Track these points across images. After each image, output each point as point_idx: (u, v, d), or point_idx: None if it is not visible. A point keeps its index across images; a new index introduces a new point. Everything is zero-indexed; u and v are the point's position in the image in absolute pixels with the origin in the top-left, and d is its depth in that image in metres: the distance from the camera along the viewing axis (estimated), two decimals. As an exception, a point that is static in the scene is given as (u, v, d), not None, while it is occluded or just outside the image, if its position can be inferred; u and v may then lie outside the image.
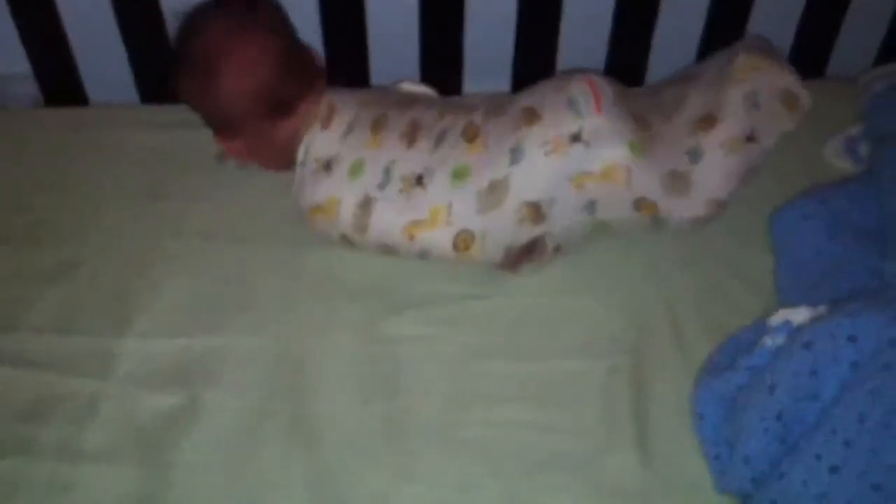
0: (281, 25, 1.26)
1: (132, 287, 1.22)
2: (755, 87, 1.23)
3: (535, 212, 1.17)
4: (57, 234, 1.28)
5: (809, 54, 1.52)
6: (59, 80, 1.46)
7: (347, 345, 1.17)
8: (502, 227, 1.18)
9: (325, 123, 1.24)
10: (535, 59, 1.49)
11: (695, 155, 1.19)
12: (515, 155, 1.17)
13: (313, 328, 1.18)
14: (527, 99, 1.22)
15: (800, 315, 1.05)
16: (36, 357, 1.15)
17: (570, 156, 1.16)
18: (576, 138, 1.16)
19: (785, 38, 1.50)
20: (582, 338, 1.18)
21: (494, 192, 1.17)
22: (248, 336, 1.17)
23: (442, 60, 1.47)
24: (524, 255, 1.20)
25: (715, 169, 1.19)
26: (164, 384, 1.12)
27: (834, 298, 1.09)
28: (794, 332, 1.03)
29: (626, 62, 1.50)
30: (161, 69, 1.43)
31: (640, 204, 1.19)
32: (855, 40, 1.50)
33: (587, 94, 1.18)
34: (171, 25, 1.31)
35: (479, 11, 1.42)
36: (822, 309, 1.05)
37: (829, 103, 1.40)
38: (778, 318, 1.06)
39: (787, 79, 1.27)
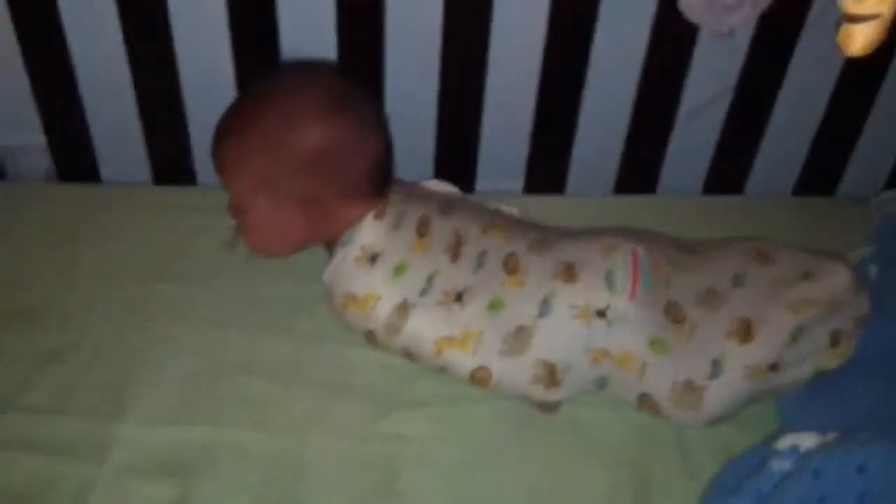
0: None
1: (132, 372, 1.21)
2: (804, 324, 1.15)
3: (550, 374, 1.16)
4: (59, 314, 1.27)
5: (821, 173, 1.53)
6: (73, 155, 1.46)
7: (346, 443, 1.15)
8: (517, 379, 1.17)
9: (379, 213, 1.23)
10: (548, 161, 1.50)
11: (717, 367, 1.13)
12: (544, 307, 1.16)
13: (311, 424, 1.17)
14: (570, 249, 1.20)
15: (808, 440, 1.04)
16: (29, 439, 1.13)
17: (591, 328, 1.15)
18: (601, 314, 1.15)
19: (797, 156, 1.51)
20: (586, 449, 1.16)
21: (519, 339, 1.16)
22: (246, 429, 1.16)
23: (456, 158, 1.48)
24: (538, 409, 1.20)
25: (728, 390, 1.14)
26: (157, 474, 1.10)
27: (838, 422, 1.08)
28: (801, 457, 1.02)
29: (639, 167, 1.51)
30: (177, 151, 1.45)
31: (643, 400, 1.17)
32: (868, 160, 1.51)
33: (627, 271, 1.17)
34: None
35: (496, 112, 1.43)
36: (830, 435, 1.03)
37: (840, 223, 1.41)
38: (785, 442, 1.05)
39: (844, 321, 1.17)
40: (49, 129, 1.44)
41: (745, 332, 1.14)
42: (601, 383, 1.19)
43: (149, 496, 1.08)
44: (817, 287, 1.17)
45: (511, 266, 1.20)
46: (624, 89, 1.41)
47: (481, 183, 1.51)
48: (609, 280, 1.16)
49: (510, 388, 1.18)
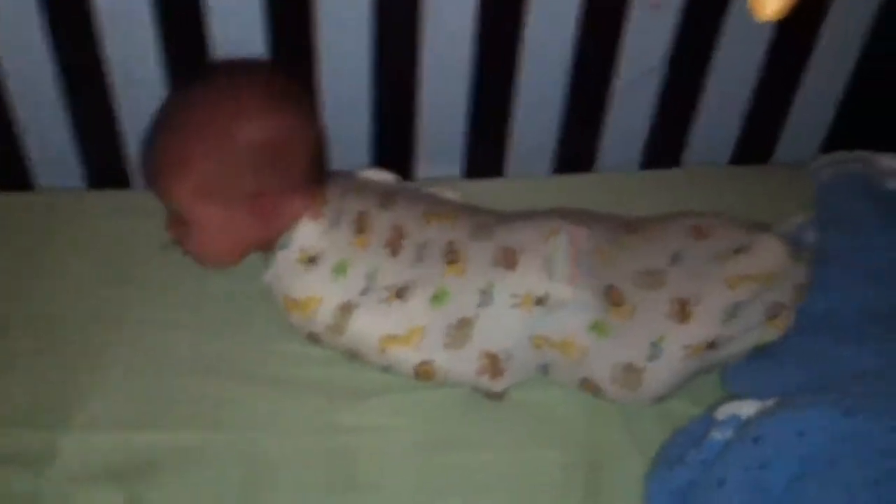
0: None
1: (78, 378, 1.19)
2: (740, 300, 1.15)
3: (494, 364, 1.17)
4: (2, 323, 1.25)
5: (757, 141, 1.54)
6: (4, 164, 1.44)
7: (302, 438, 1.15)
8: (462, 371, 1.17)
9: (316, 213, 1.22)
10: (486, 145, 1.50)
11: (656, 349, 1.14)
12: (484, 297, 1.16)
13: (267, 421, 1.17)
14: (510, 234, 1.20)
15: (747, 408, 1.05)
16: (-29, 452, 1.12)
17: (532, 315, 1.15)
18: (540, 301, 1.15)
19: (732, 123, 1.52)
20: (538, 430, 1.17)
21: (461, 330, 1.16)
22: (200, 429, 1.15)
23: (393, 146, 1.48)
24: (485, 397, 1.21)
25: (668, 370, 1.14)
26: (106, 481, 1.09)
27: (781, 385, 1.10)
28: (741, 425, 1.04)
29: (576, 146, 1.51)
30: (109, 155, 1.43)
31: (585, 383, 1.17)
32: (802, 126, 1.52)
33: (567, 256, 1.17)
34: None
35: (432, 98, 1.42)
36: (769, 402, 1.05)
37: (777, 190, 1.42)
38: (725, 411, 1.07)
39: (783, 294, 1.18)
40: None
41: (683, 311, 1.15)
42: (544, 369, 1.19)
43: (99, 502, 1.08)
44: (752, 261, 1.18)
45: (452, 255, 1.20)
46: (557, 68, 1.41)
47: (420, 170, 1.50)
48: (549, 266, 1.16)
49: (456, 380, 1.18)
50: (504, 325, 1.16)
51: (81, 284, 1.31)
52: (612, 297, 1.16)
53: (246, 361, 1.23)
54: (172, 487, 1.10)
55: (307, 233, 1.21)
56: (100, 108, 1.38)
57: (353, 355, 1.21)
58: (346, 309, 1.18)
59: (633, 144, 1.52)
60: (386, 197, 1.27)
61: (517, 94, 1.43)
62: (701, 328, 1.14)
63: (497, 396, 1.19)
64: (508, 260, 1.18)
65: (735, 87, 1.47)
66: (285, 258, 1.21)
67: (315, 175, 1.24)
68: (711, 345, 1.15)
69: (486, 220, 1.25)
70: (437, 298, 1.18)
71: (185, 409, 1.17)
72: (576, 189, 1.46)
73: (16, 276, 1.32)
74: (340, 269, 1.19)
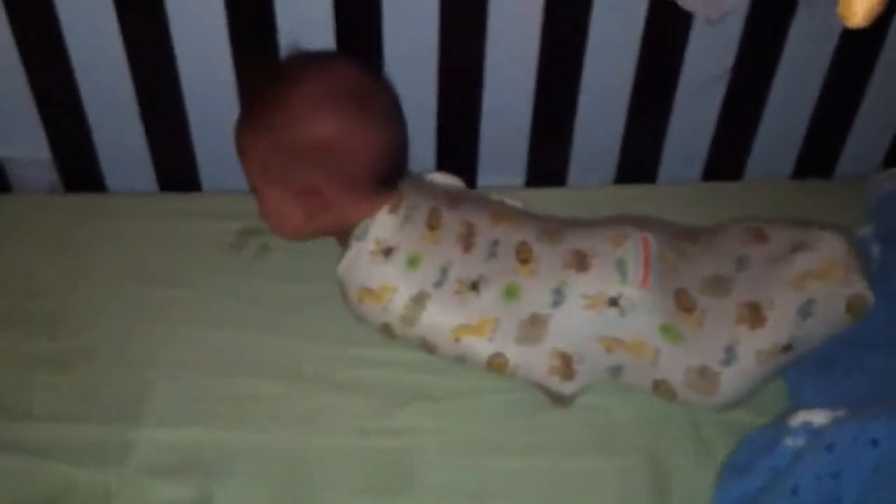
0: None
1: (145, 375, 1.22)
2: (813, 297, 1.15)
3: (566, 364, 1.17)
4: (72, 321, 1.28)
5: (819, 155, 1.54)
6: (78, 167, 1.47)
7: (357, 438, 1.16)
8: (534, 368, 1.18)
9: (394, 207, 1.24)
10: (548, 154, 1.51)
11: (731, 354, 1.14)
12: (557, 296, 1.17)
13: (322, 421, 1.18)
14: (581, 239, 1.21)
15: (820, 417, 1.05)
16: (48, 446, 1.13)
17: (604, 316, 1.16)
18: (613, 302, 1.16)
19: (795, 139, 1.52)
20: (599, 436, 1.17)
21: (534, 327, 1.17)
22: (259, 428, 1.17)
23: (456, 154, 1.49)
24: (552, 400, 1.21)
25: (744, 377, 1.15)
26: (177, 475, 1.11)
27: (845, 397, 1.10)
28: (814, 433, 1.03)
29: (638, 156, 1.52)
30: (181, 158, 1.46)
31: (659, 385, 1.17)
32: (864, 141, 1.52)
33: (638, 260, 1.17)
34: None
35: (495, 107, 1.44)
36: (841, 411, 1.05)
37: (839, 205, 1.41)
38: (798, 419, 1.06)
39: (855, 286, 1.17)
40: (54, 143, 1.45)
41: (755, 316, 1.15)
42: (616, 372, 1.19)
43: (171, 497, 1.09)
44: (812, 257, 1.18)
45: (523, 255, 1.21)
46: (621, 79, 1.42)
47: (483, 178, 1.52)
48: (620, 269, 1.17)
49: (526, 377, 1.19)
50: (576, 325, 1.17)
51: (149, 283, 1.33)
52: (681, 302, 1.17)
53: (303, 362, 1.24)
54: (240, 481, 1.12)
55: (383, 225, 1.22)
56: (171, 111, 1.41)
57: (426, 347, 1.22)
58: (420, 299, 1.19)
59: (695, 157, 1.52)
60: (454, 197, 1.29)
61: (580, 104, 1.44)
62: (775, 332, 1.14)
63: (564, 402, 1.19)
64: (580, 263, 1.18)
65: (798, 100, 1.47)
66: (360, 249, 1.22)
67: (379, 180, 1.24)
68: (787, 347, 1.15)
69: (551, 225, 1.26)
70: (509, 293, 1.19)
71: (248, 406, 1.19)
72: (637, 200, 1.45)
73: (86, 274, 1.35)
74: (414, 262, 1.21)
